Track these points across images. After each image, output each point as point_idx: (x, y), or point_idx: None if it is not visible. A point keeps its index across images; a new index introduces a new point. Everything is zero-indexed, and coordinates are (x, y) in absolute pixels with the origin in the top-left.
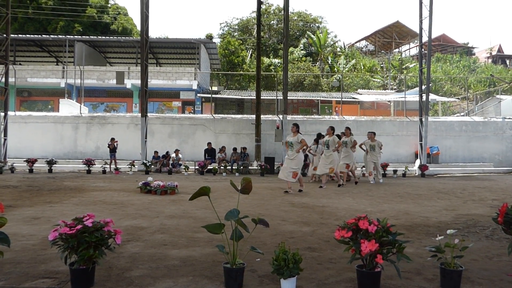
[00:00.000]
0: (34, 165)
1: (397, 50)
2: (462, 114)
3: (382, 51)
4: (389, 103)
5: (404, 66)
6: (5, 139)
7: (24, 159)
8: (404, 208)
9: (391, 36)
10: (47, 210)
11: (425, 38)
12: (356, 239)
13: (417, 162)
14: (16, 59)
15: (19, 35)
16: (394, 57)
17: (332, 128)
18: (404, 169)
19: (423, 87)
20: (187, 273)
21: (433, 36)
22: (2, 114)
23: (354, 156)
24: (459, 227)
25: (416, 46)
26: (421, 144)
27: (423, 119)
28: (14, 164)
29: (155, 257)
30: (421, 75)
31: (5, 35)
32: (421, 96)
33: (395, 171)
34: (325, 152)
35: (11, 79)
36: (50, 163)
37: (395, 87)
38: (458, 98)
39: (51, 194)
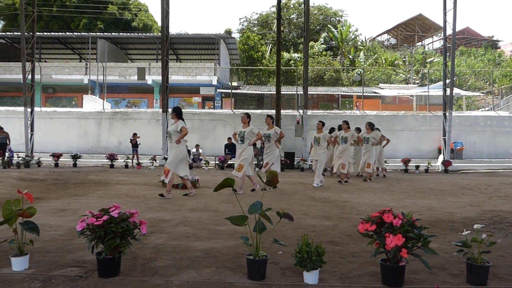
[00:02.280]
0: (60, 159)
1: (420, 43)
2: (487, 108)
3: (405, 44)
4: (411, 97)
5: (427, 60)
6: (31, 134)
7: (50, 154)
8: (427, 204)
9: (413, 30)
10: (73, 202)
11: (449, 31)
12: (380, 232)
13: (440, 157)
14: (41, 57)
15: (44, 33)
16: (416, 51)
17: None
18: (426, 164)
19: (447, 81)
20: (210, 264)
21: (457, 29)
22: (29, 110)
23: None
24: (485, 223)
25: (440, 39)
26: (444, 139)
27: (447, 114)
28: (40, 159)
29: (179, 248)
30: (445, 68)
31: (31, 33)
32: (445, 90)
33: (417, 167)
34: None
35: (37, 76)
36: (75, 157)
37: (417, 81)
38: (483, 93)
39: (76, 187)
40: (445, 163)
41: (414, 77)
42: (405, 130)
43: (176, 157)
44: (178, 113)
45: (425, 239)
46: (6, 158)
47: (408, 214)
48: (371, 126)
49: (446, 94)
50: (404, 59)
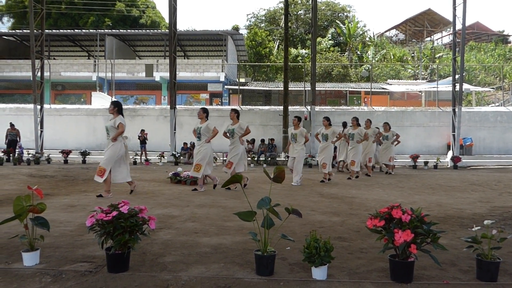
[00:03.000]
0: (69, 156)
1: (428, 38)
2: (497, 104)
3: (413, 40)
4: (420, 93)
5: (436, 56)
6: (41, 131)
7: (59, 150)
8: (436, 200)
9: (422, 25)
10: (82, 198)
11: (458, 26)
12: (389, 228)
13: (450, 153)
14: (50, 54)
15: (53, 31)
16: (425, 46)
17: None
18: (435, 160)
19: (457, 76)
20: (218, 260)
21: (467, 24)
22: (39, 107)
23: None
24: (495, 220)
25: (449, 34)
26: (453, 135)
27: (456, 110)
28: (50, 155)
29: (187, 244)
30: (455, 64)
31: (40, 30)
32: (454, 86)
33: (426, 163)
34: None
35: (46, 73)
36: (84, 154)
37: (426, 77)
38: (493, 88)
39: (85, 183)
40: (454, 159)
41: (422, 73)
42: (414, 126)
43: (112, 155)
44: (118, 108)
45: (434, 235)
46: (16, 155)
47: (417, 210)
48: (357, 121)
49: (456, 89)
50: (412, 54)
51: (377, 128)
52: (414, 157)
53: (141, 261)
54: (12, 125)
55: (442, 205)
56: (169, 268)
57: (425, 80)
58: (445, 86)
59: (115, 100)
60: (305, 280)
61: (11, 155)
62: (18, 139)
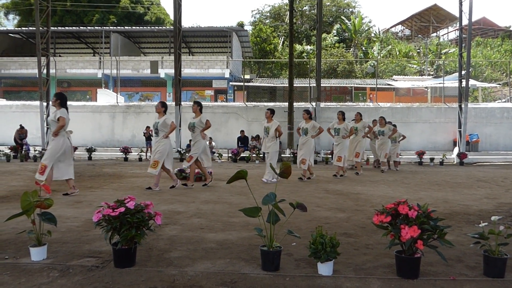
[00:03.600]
0: (75, 152)
1: (434, 34)
2: (503, 100)
3: (419, 35)
4: (426, 89)
5: (442, 51)
6: (47, 128)
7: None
8: (442, 196)
9: (428, 20)
10: (89, 194)
11: (465, 21)
12: (395, 224)
13: (456, 150)
14: (56, 51)
15: (59, 28)
16: (431, 42)
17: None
18: (441, 157)
19: (463, 72)
20: (224, 256)
21: (473, 19)
22: (45, 104)
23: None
24: (502, 216)
25: (455, 30)
26: (460, 132)
27: (463, 106)
28: None
29: (193, 240)
30: (461, 59)
31: (46, 28)
32: (460, 82)
33: (432, 159)
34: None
35: (52, 71)
36: (90, 150)
37: (432, 73)
38: (499, 84)
39: (91, 180)
40: (461, 155)
41: (428, 69)
42: (420, 122)
43: (54, 151)
44: (61, 100)
45: (441, 230)
46: (23, 151)
47: (423, 206)
48: (343, 116)
49: (462, 85)
50: (418, 50)
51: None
52: (420, 154)
53: (147, 256)
54: (22, 127)
55: (448, 202)
56: (175, 263)
57: (431, 76)
58: (451, 82)
59: (60, 92)
60: (311, 276)
61: (17, 153)
62: (24, 137)
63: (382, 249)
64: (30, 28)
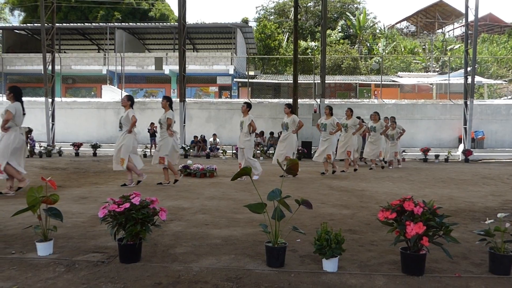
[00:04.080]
0: (80, 148)
1: (440, 30)
2: (509, 97)
3: (424, 32)
4: (431, 86)
5: (448, 48)
6: (53, 124)
7: (70, 143)
8: (447, 193)
9: (434, 16)
10: (94, 190)
11: (471, 17)
12: (401, 220)
13: (461, 147)
14: (61, 48)
15: (63, 24)
16: (437, 38)
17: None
18: (446, 154)
19: (469, 68)
20: (229, 252)
21: (479, 15)
22: (50, 100)
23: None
24: (507, 213)
25: (461, 26)
26: (465, 128)
27: (468, 102)
28: (61, 148)
29: (198, 235)
30: (467, 56)
31: (51, 24)
32: (466, 78)
33: (437, 156)
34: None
35: (57, 67)
36: (95, 147)
37: (437, 69)
38: (505, 81)
39: (96, 176)
40: (466, 152)
41: (434, 65)
42: (425, 119)
43: (5, 147)
44: (14, 94)
45: (446, 227)
46: (28, 147)
47: (429, 202)
48: (330, 111)
49: (467, 82)
50: (423, 46)
51: (359, 118)
52: (425, 151)
53: (153, 252)
54: (30, 130)
55: (454, 199)
56: (180, 259)
57: (436, 73)
58: (456, 78)
59: (14, 85)
60: (316, 272)
61: None
62: (30, 132)
63: (387, 246)
64: (35, 24)
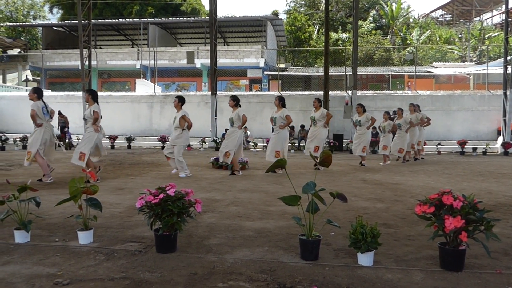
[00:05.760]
0: (115, 141)
1: (477, 18)
2: None
3: (461, 20)
4: (468, 76)
5: (486, 36)
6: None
7: (106, 136)
8: (486, 187)
9: (471, 4)
10: (129, 182)
11: (511, 4)
12: (439, 215)
13: (500, 139)
14: (97, 43)
15: (99, 21)
16: (474, 27)
17: (388, 113)
18: (485, 146)
19: (508, 57)
20: (262, 244)
21: None
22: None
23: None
24: None
25: (500, 13)
26: (504, 120)
27: (508, 93)
28: None
29: (231, 227)
30: (506, 44)
31: (87, 20)
32: (505, 68)
33: (474, 149)
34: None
35: (93, 62)
36: (129, 139)
37: (475, 59)
38: None
39: (131, 168)
40: (505, 145)
41: (471, 55)
42: (461, 110)
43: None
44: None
45: (488, 222)
46: (66, 140)
47: (469, 196)
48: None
49: (507, 71)
50: (460, 35)
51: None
52: (462, 143)
53: (188, 243)
54: (60, 113)
55: (493, 193)
56: (215, 250)
57: (473, 62)
58: (495, 68)
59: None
60: (351, 266)
61: (61, 141)
62: (66, 126)
63: (424, 241)
64: (72, 21)
